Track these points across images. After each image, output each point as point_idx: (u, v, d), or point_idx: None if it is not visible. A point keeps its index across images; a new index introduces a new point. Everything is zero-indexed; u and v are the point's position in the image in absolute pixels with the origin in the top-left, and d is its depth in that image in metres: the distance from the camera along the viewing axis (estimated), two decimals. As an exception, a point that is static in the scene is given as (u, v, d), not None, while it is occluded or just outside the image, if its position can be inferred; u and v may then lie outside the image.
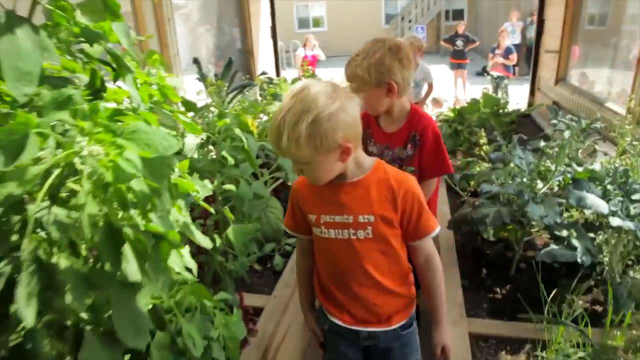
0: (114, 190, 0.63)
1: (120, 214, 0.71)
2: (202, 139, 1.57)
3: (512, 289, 2.07)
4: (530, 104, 5.20)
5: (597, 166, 1.94)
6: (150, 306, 0.85)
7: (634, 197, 1.77)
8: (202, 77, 3.31)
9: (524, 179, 2.01)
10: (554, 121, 3.04)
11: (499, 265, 2.25)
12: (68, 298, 0.65)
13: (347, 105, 1.07)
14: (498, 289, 2.09)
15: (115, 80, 0.91)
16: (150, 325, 0.79)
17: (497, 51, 10.46)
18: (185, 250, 1.07)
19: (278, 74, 5.45)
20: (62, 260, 0.66)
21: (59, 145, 0.63)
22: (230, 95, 3.39)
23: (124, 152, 0.63)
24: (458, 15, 19.30)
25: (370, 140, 1.83)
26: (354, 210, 1.15)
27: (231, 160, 1.52)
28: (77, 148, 0.61)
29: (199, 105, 2.87)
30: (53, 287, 0.65)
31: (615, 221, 1.59)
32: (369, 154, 1.72)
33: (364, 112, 1.70)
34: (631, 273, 1.78)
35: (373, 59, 1.54)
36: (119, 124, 0.76)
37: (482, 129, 3.49)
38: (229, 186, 1.56)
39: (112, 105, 1.06)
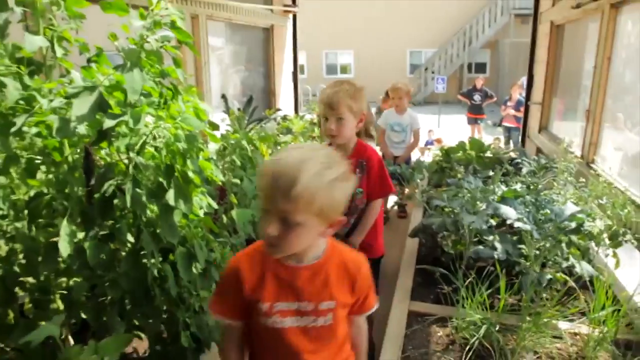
0: (173, 145, 1.28)
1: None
2: (220, 146, 2.23)
3: (455, 286, 2.60)
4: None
5: (518, 187, 2.51)
6: (179, 222, 1.46)
7: (542, 211, 2.34)
8: (227, 110, 4.03)
9: (467, 197, 2.59)
10: (517, 160, 3.63)
11: (451, 270, 2.78)
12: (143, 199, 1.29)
13: (352, 179, 1.08)
14: (445, 286, 2.62)
15: (172, 98, 1.57)
16: (179, 234, 1.41)
17: (509, 103, 11.01)
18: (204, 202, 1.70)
19: (297, 112, 6.16)
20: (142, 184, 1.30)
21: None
22: (250, 126, 4.10)
23: (177, 128, 1.27)
24: (480, 68, 20.08)
25: None
26: (315, 296, 1.11)
27: (238, 162, 2.17)
28: (160, 123, 1.26)
29: (224, 130, 3.57)
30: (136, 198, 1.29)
31: (516, 224, 2.15)
32: None
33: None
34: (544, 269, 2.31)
35: (351, 91, 1.93)
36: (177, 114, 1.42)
37: (462, 167, 4.07)
38: (235, 180, 2.20)
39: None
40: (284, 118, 4.90)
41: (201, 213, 1.65)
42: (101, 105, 1.29)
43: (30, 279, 1.61)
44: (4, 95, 1.50)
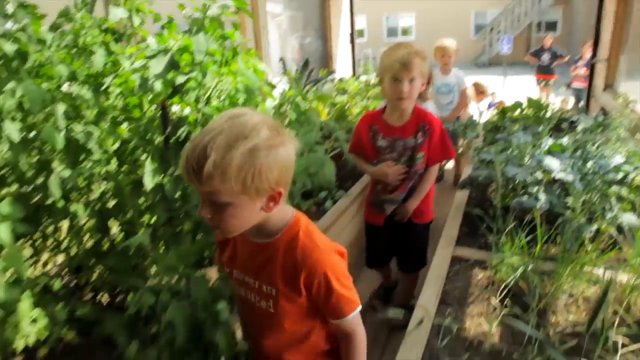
0: (235, 97, 1.50)
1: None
2: (277, 103, 2.44)
3: (500, 236, 2.70)
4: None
5: (564, 140, 2.54)
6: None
7: (588, 163, 2.37)
8: (285, 72, 4.24)
9: (514, 151, 2.66)
10: (575, 117, 3.58)
11: (500, 219, 2.87)
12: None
13: (288, 143, 0.97)
14: (490, 236, 2.73)
15: (232, 57, 1.78)
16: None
17: (579, 63, 10.40)
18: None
19: (354, 73, 6.25)
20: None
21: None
22: (307, 87, 4.29)
23: (238, 82, 1.49)
24: (551, 27, 18.94)
25: (378, 135, 2.18)
26: (254, 275, 1.08)
27: (293, 116, 2.37)
28: (222, 78, 1.48)
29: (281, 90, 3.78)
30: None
31: (559, 175, 2.22)
32: (378, 148, 2.18)
33: (365, 113, 2.30)
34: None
35: (422, 52, 1.99)
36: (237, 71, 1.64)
37: (516, 124, 4.05)
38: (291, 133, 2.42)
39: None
40: (341, 80, 5.03)
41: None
42: (173, 65, 1.53)
43: (120, 214, 1.93)
44: (92, 61, 1.79)
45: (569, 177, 2.21)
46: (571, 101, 9.90)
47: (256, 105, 1.74)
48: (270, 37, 4.52)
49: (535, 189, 2.46)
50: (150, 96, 1.70)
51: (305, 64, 4.11)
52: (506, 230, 2.22)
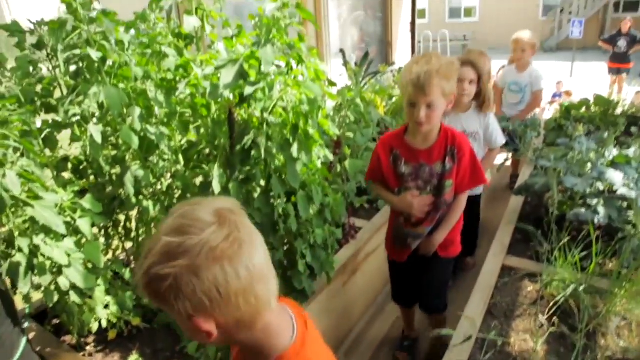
0: (298, 108, 1.57)
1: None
2: (337, 102, 2.50)
3: (554, 246, 2.65)
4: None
5: (631, 152, 2.43)
6: (300, 171, 1.77)
7: (656, 179, 2.28)
8: (345, 64, 4.25)
9: (575, 159, 2.59)
10: (646, 122, 3.40)
11: (549, 230, 2.81)
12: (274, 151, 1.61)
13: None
14: (543, 245, 2.68)
15: (298, 64, 1.84)
16: (301, 179, 1.72)
17: (661, 49, 9.60)
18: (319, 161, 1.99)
19: (412, 64, 6.17)
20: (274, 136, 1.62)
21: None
22: (365, 80, 4.29)
23: (301, 93, 1.55)
24: (632, 6, 17.57)
25: (400, 160, 1.89)
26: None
27: (351, 117, 2.42)
28: (288, 90, 1.55)
29: (341, 84, 3.84)
30: (268, 150, 1.62)
31: (621, 190, 2.15)
32: (401, 175, 1.90)
33: (385, 134, 2.01)
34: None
35: (444, 68, 1.71)
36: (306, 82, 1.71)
37: (583, 125, 3.89)
38: (349, 133, 2.47)
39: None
40: (400, 70, 4.98)
41: (319, 163, 1.95)
42: (242, 75, 1.61)
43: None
44: (165, 64, 1.90)
45: (631, 194, 2.14)
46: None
47: (318, 111, 1.80)
48: (330, 26, 4.55)
49: (595, 201, 2.40)
50: (220, 100, 1.79)
51: (365, 56, 4.10)
52: (560, 244, 2.18)
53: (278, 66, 1.70)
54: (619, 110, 4.51)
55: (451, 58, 1.82)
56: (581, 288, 1.99)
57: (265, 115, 1.62)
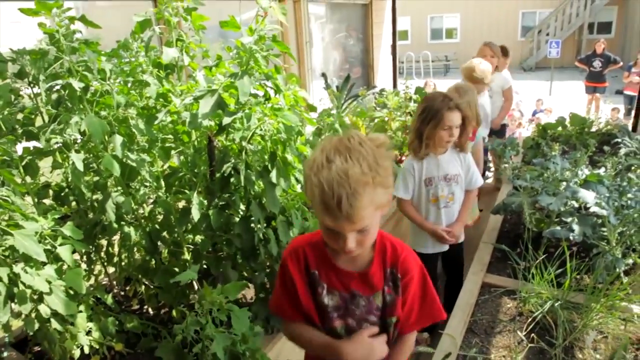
0: (275, 137, 1.61)
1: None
2: (316, 128, 2.55)
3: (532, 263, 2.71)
4: (634, 126, 5.37)
5: (601, 171, 2.52)
6: (279, 196, 1.81)
7: (625, 197, 2.35)
8: (327, 87, 4.34)
9: (550, 178, 2.66)
10: (618, 139, 3.51)
11: (532, 247, 2.87)
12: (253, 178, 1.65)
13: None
14: (522, 263, 2.73)
15: (276, 93, 1.90)
16: (279, 205, 1.75)
17: (633, 69, 9.97)
18: (299, 185, 2.04)
19: (395, 86, 6.30)
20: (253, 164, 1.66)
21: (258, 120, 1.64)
22: (347, 103, 4.38)
23: (279, 122, 1.60)
24: (604, 28, 18.20)
25: (322, 287, 1.24)
26: None
27: (331, 142, 2.47)
28: (265, 120, 1.60)
29: (323, 107, 3.90)
30: (248, 177, 1.65)
31: (593, 208, 2.22)
32: (323, 307, 1.25)
33: (296, 239, 1.34)
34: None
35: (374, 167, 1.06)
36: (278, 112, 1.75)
37: (559, 144, 4.00)
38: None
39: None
40: (381, 92, 5.09)
41: (298, 188, 1.99)
42: (220, 105, 1.65)
43: (167, 235, 2.09)
44: (146, 92, 1.94)
45: (603, 212, 2.21)
46: (622, 110, 9.53)
47: (296, 138, 1.84)
48: (312, 50, 4.64)
49: (570, 219, 2.46)
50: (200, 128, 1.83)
51: (347, 79, 4.19)
52: (537, 261, 2.24)
53: (255, 96, 1.75)
54: (594, 129, 4.66)
55: (379, 139, 1.11)
56: (557, 304, 2.04)
57: (244, 143, 1.66)
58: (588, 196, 2.30)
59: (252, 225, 1.81)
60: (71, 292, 1.86)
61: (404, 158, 3.33)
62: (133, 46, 2.07)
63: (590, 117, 4.65)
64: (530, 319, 2.06)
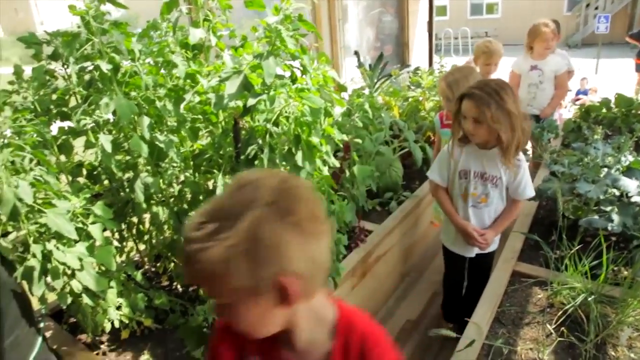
0: (300, 120, 1.59)
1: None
2: (346, 109, 2.50)
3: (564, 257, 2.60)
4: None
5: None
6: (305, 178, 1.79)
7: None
8: (359, 66, 4.25)
9: (590, 164, 2.54)
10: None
11: (567, 236, 2.76)
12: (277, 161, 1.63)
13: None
14: (558, 251, 2.63)
15: (302, 74, 1.86)
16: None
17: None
18: (325, 168, 2.01)
19: (430, 64, 6.13)
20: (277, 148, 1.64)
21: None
22: (380, 82, 4.28)
23: (304, 105, 1.57)
24: (661, 2, 17.09)
25: None
26: None
27: (359, 124, 2.42)
28: (290, 102, 1.57)
29: (356, 86, 3.85)
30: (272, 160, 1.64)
31: (635, 198, 2.10)
32: None
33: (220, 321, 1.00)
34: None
35: None
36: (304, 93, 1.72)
37: (600, 127, 3.80)
38: (357, 140, 2.47)
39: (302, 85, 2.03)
40: (415, 71, 4.96)
41: (325, 170, 1.97)
42: (246, 86, 1.63)
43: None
44: (175, 72, 1.95)
45: (645, 201, 2.10)
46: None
47: (323, 120, 1.81)
48: (346, 27, 4.54)
49: (609, 208, 2.35)
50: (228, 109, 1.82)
51: (380, 57, 4.09)
52: (571, 252, 2.15)
53: (281, 77, 1.72)
54: (642, 110, 4.41)
55: None
56: (591, 298, 1.96)
57: (269, 126, 1.64)
58: (630, 185, 2.19)
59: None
60: (102, 268, 1.92)
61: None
62: (162, 27, 2.07)
63: (639, 98, 4.38)
64: (560, 312, 1.99)
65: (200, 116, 2.07)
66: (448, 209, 2.33)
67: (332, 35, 4.20)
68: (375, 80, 4.09)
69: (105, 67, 1.76)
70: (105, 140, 1.79)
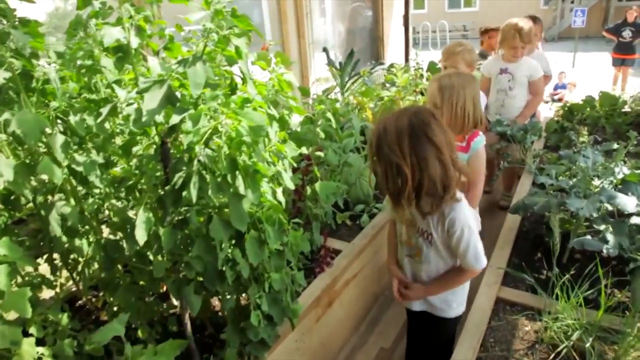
0: (235, 141, 1.28)
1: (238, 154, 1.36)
2: (306, 117, 2.19)
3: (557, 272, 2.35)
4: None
5: (643, 169, 2.14)
6: (248, 210, 1.49)
7: (672, 202, 1.98)
8: (329, 63, 3.95)
9: (579, 177, 2.29)
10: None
11: (554, 252, 2.52)
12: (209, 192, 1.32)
13: None
14: (544, 272, 2.37)
15: (243, 83, 1.55)
16: (248, 220, 1.43)
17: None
18: (279, 189, 1.70)
19: (407, 60, 5.86)
20: (208, 176, 1.33)
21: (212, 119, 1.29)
22: (351, 81, 3.99)
23: (241, 122, 1.26)
24: (639, -6, 17.13)
25: None
26: None
27: (322, 134, 2.12)
28: (220, 120, 1.26)
29: (327, 85, 3.53)
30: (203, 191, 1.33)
31: (634, 219, 1.85)
32: None
33: None
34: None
35: None
36: (244, 109, 1.41)
37: (587, 128, 3.58)
38: (319, 153, 2.17)
39: (244, 94, 1.72)
40: (390, 68, 4.67)
41: (280, 193, 1.67)
42: (170, 99, 1.32)
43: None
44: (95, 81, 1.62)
45: (645, 222, 1.85)
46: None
47: (265, 139, 1.51)
48: (314, 23, 4.23)
49: (603, 226, 2.10)
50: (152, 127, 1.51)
51: (350, 54, 3.80)
52: (562, 280, 1.90)
53: (215, 87, 1.41)
54: (627, 109, 4.20)
55: None
56: (587, 334, 1.71)
57: (197, 149, 1.33)
58: (628, 203, 1.93)
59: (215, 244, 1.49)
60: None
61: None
62: (90, 24, 1.73)
63: (623, 95, 4.17)
64: (553, 353, 1.73)
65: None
66: (387, 247, 2.02)
67: (299, 30, 3.88)
68: (347, 79, 3.79)
69: (3, 75, 1.42)
70: (5, 165, 1.45)
